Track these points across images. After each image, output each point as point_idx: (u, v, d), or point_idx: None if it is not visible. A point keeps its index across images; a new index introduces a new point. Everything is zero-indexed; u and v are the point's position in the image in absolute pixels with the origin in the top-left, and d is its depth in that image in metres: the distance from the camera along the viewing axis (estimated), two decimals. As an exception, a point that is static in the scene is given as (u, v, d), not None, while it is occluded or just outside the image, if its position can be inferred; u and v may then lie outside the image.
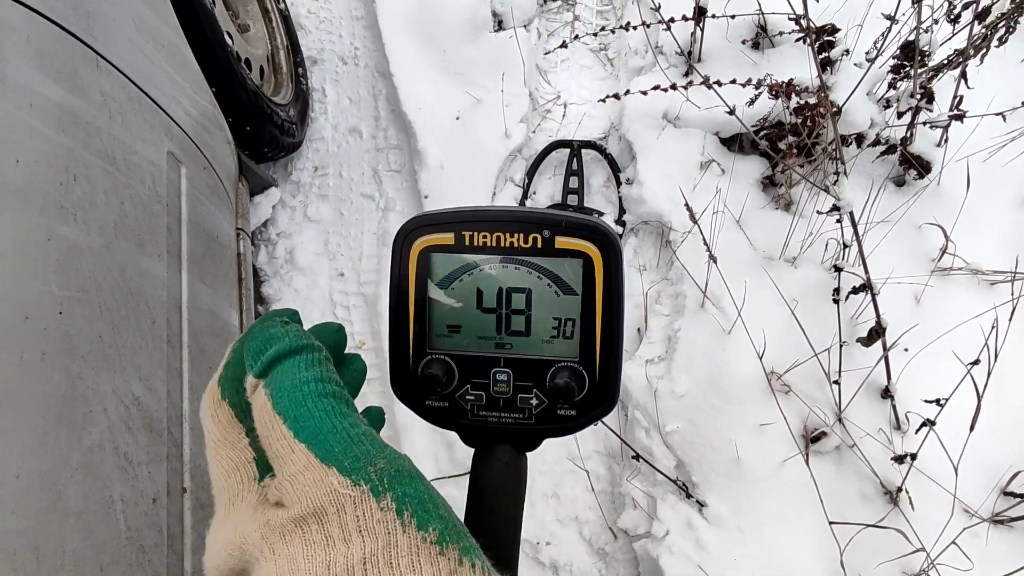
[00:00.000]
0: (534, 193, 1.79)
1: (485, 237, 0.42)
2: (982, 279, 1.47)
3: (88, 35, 0.83)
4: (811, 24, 1.01)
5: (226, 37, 1.37)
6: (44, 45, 0.76)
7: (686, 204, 1.08)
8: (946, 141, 1.44)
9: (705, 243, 1.17)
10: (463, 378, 0.44)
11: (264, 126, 1.53)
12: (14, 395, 0.62)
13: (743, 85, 1.20)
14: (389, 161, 1.88)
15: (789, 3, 1.05)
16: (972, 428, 1.07)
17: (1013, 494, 1.33)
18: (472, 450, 0.46)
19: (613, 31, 1.45)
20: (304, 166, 1.90)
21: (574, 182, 1.75)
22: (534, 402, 0.44)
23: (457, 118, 1.81)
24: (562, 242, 0.42)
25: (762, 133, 1.43)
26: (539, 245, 0.42)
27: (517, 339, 0.44)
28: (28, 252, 0.68)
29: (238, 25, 1.65)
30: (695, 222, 1.12)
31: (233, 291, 1.22)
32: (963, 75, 1.27)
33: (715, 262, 1.19)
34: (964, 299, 1.46)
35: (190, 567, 0.86)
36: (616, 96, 1.40)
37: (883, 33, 1.44)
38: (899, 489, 1.31)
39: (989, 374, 1.03)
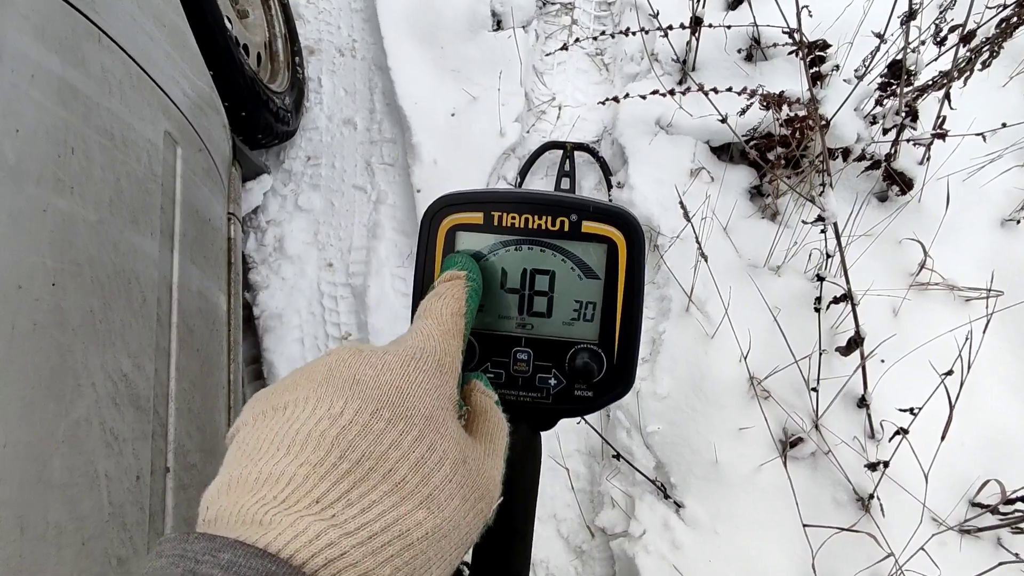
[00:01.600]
0: (526, 193, 1.81)
1: (513, 218, 0.43)
2: (958, 295, 1.51)
3: (91, 9, 0.83)
4: (804, 38, 1.04)
5: (226, 22, 1.37)
6: (47, 16, 0.76)
7: (680, 202, 1.10)
8: (928, 159, 1.48)
9: (697, 240, 1.20)
10: (484, 356, 0.46)
11: (260, 112, 1.53)
12: (3, 364, 0.62)
13: (739, 93, 1.23)
14: (383, 154, 1.88)
15: (784, 16, 1.08)
16: (943, 437, 1.11)
17: (980, 505, 1.37)
18: None
19: (613, 36, 1.47)
20: (297, 155, 1.90)
21: (566, 183, 1.77)
22: (552, 382, 0.45)
23: (453, 114, 1.82)
24: (588, 227, 0.43)
25: (752, 143, 1.46)
26: (566, 229, 0.43)
27: (538, 320, 0.45)
28: (23, 222, 0.67)
29: (237, 11, 1.65)
30: (688, 220, 1.14)
31: (222, 274, 1.22)
32: (947, 96, 1.31)
33: (706, 260, 1.21)
34: (940, 314, 1.50)
35: (170, 547, 0.86)
36: (616, 99, 1.42)
37: (872, 51, 1.48)
38: (871, 496, 1.34)
39: (962, 384, 1.06)
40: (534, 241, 0.44)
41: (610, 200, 1.73)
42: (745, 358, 1.38)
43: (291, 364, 1.66)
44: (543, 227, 0.43)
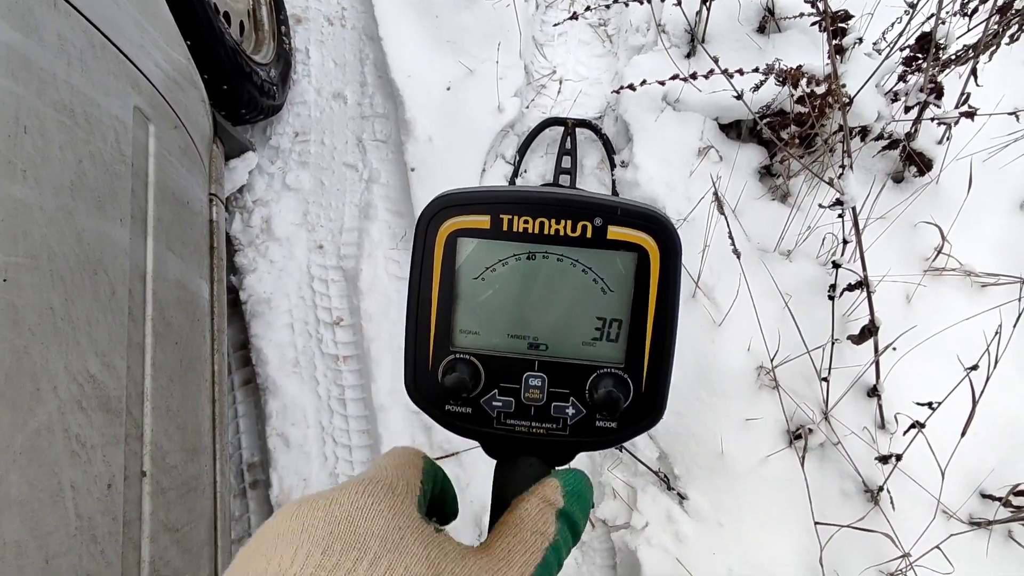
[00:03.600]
0: (525, 171, 1.73)
1: (527, 222, 0.37)
2: (974, 281, 1.45)
3: (44, -30, 0.75)
4: (828, 8, 0.96)
5: (204, -14, 1.28)
6: (-9, -23, 0.67)
7: (715, 193, 1.02)
8: (948, 139, 1.41)
9: (730, 237, 1.12)
10: (490, 381, 0.40)
11: (243, 86, 1.44)
12: (-52, 371, 0.56)
13: (759, 72, 1.15)
14: (375, 130, 1.79)
15: (806, -16, 1.00)
16: (964, 434, 1.06)
17: (991, 496, 1.33)
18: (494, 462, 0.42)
19: (627, 3, 1.37)
20: (284, 131, 1.81)
21: (567, 162, 1.69)
22: (570, 411, 0.39)
23: (448, 88, 1.73)
24: (615, 232, 0.37)
25: (765, 121, 1.39)
26: (588, 235, 0.37)
27: (554, 340, 0.39)
28: (-32, 211, 0.60)
29: (217, -25, 1.54)
30: (723, 213, 1.07)
31: (204, 261, 1.15)
32: (973, 72, 1.23)
33: (739, 257, 1.14)
34: (955, 300, 1.45)
35: (148, 555, 0.81)
36: (632, 87, 1.33)
37: (893, 22, 1.40)
38: (880, 488, 1.30)
39: (988, 379, 1.01)
40: (550, 249, 0.37)
41: (613, 180, 1.65)
42: (762, 346, 1.32)
43: (280, 351, 1.60)
44: (561, 233, 0.37)
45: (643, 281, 0.38)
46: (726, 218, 1.07)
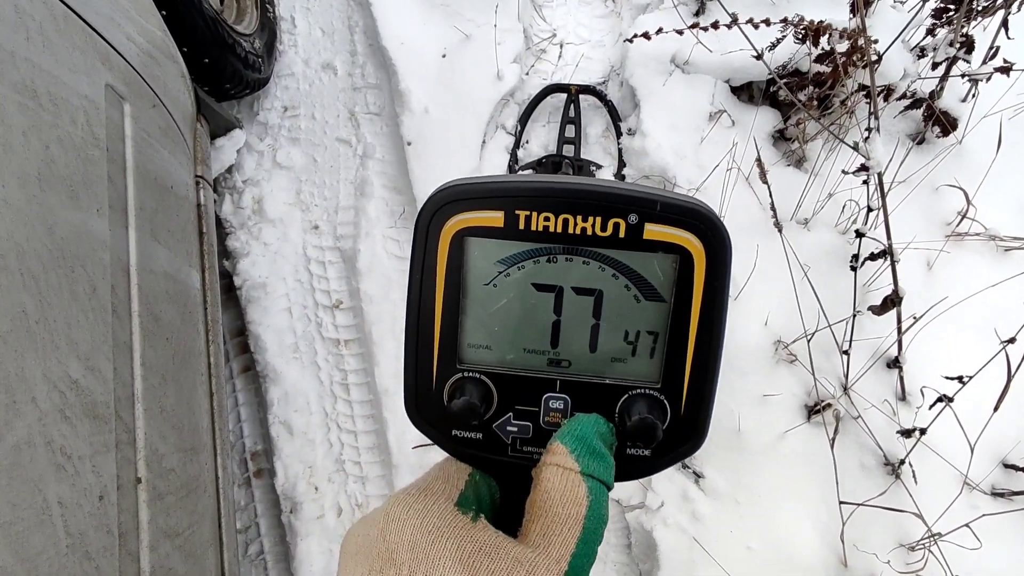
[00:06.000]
0: (527, 142, 1.65)
1: (547, 220, 0.31)
2: (998, 245, 1.40)
3: (-8, -69, 0.67)
4: (857, -45, 0.88)
5: (177, -50, 1.18)
6: (-70, -60, 0.59)
7: (759, 161, 0.95)
8: (975, 96, 1.33)
9: (772, 209, 1.05)
10: (504, 403, 0.34)
11: (225, 58, 1.36)
12: (-93, 390, 0.50)
13: (780, 23, 1.06)
14: (367, 102, 1.71)
15: (834, -71, 0.91)
16: (997, 409, 1.01)
17: (1014, 467, 1.30)
18: None
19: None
20: (272, 105, 1.72)
21: (570, 131, 1.61)
22: None
23: (444, 56, 1.64)
24: (653, 231, 0.31)
25: (782, 81, 1.31)
26: (621, 234, 0.31)
27: (578, 356, 0.34)
28: (-80, 208, 0.54)
29: (192, -62, 1.43)
30: (765, 182, 1.00)
31: (193, 248, 1.08)
32: (1004, 23, 1.15)
33: (780, 231, 1.07)
34: (978, 266, 1.40)
35: (148, 566, 0.77)
36: (647, 36, 1.23)
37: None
38: (902, 462, 1.27)
39: (1026, 354, 0.96)
40: (575, 250, 0.31)
41: (620, 149, 1.58)
42: (780, 320, 1.27)
43: (279, 336, 1.54)
44: (588, 232, 0.31)
45: (685, 288, 0.32)
46: (768, 186, 1.00)
